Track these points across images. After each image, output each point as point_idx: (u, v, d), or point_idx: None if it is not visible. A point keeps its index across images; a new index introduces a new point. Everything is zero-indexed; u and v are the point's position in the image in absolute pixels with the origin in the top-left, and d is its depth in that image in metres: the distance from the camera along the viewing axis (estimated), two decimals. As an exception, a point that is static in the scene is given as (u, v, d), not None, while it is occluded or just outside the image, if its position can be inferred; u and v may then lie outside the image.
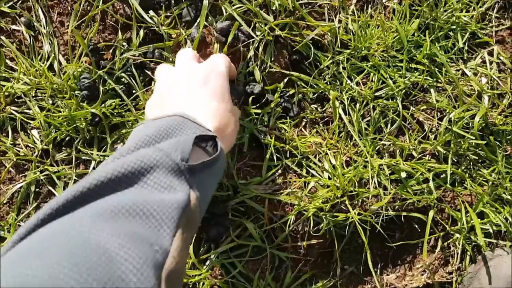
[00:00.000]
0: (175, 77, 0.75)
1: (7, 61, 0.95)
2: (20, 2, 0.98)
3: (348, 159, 0.93)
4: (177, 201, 0.48)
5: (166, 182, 0.49)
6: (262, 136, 0.92)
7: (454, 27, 0.99)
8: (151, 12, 0.95)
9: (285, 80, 0.95)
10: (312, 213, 0.89)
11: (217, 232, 0.89)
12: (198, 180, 0.54)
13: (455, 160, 0.94)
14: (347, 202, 0.89)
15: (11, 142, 0.92)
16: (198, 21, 0.94)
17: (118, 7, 0.96)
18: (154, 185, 0.48)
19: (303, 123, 0.97)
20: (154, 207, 0.45)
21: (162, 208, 0.46)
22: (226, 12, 0.94)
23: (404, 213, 0.90)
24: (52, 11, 0.97)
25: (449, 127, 0.92)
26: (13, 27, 0.96)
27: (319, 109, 0.97)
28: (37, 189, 0.91)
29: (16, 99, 0.94)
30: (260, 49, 0.94)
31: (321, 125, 0.96)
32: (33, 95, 0.93)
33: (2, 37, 0.95)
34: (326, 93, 0.96)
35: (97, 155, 0.90)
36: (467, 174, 0.93)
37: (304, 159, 0.93)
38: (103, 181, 0.46)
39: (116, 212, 0.43)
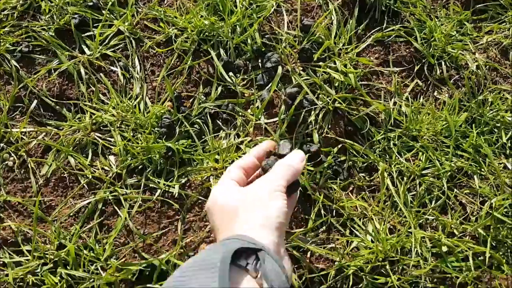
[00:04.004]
0: None
1: (100, 95, 1.10)
2: (120, 49, 1.15)
3: (392, 227, 0.99)
4: None
5: None
6: (312, 192, 1.00)
7: (498, 124, 1.08)
8: (231, 74, 1.10)
9: (339, 146, 1.05)
10: (352, 272, 0.93)
11: None
12: None
13: (494, 245, 0.98)
14: (387, 267, 0.93)
15: (89, 163, 1.03)
16: (270, 85, 1.07)
17: (203, 66, 1.12)
18: None
19: (351, 188, 1.04)
20: None
21: None
22: (295, 81, 1.08)
23: (442, 287, 0.93)
24: (146, 61, 1.14)
25: (490, 211, 0.98)
26: (112, 68, 1.12)
27: (367, 178, 1.05)
28: (103, 207, 0.99)
29: (101, 127, 1.06)
30: (320, 116, 1.05)
31: (367, 192, 1.03)
32: (118, 126, 1.05)
33: (101, 74, 1.11)
34: (376, 164, 1.05)
35: (164, 184, 0.99)
36: (504, 259, 0.96)
37: (349, 220, 0.99)
38: None
39: None
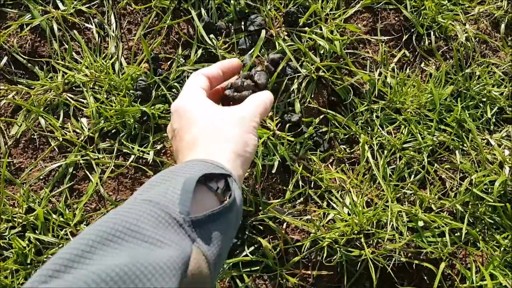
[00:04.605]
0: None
1: (73, 53, 1.05)
2: (96, 6, 1.09)
3: (369, 200, 0.97)
4: (169, 257, 0.39)
5: (155, 237, 0.40)
6: (291, 163, 0.98)
7: (484, 99, 1.06)
8: (212, 36, 1.05)
9: (321, 117, 1.02)
10: (327, 244, 0.92)
11: (232, 243, 0.92)
12: (206, 233, 0.45)
13: (471, 221, 0.97)
14: (362, 240, 0.92)
15: (60, 125, 0.99)
16: (252, 50, 1.03)
17: (183, 27, 1.06)
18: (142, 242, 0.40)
19: (331, 160, 1.02)
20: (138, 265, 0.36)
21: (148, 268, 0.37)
22: (278, 47, 1.04)
23: (416, 261, 0.93)
24: (123, 18, 1.08)
25: (470, 188, 0.97)
26: (86, 25, 1.06)
27: (347, 150, 1.02)
28: (74, 171, 0.96)
29: (74, 88, 1.02)
30: (303, 85, 1.02)
31: (347, 165, 1.01)
32: (91, 87, 1.01)
33: (75, 31, 1.05)
34: (357, 136, 1.02)
35: (138, 150, 0.96)
36: (480, 236, 0.96)
37: (327, 192, 0.98)
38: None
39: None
